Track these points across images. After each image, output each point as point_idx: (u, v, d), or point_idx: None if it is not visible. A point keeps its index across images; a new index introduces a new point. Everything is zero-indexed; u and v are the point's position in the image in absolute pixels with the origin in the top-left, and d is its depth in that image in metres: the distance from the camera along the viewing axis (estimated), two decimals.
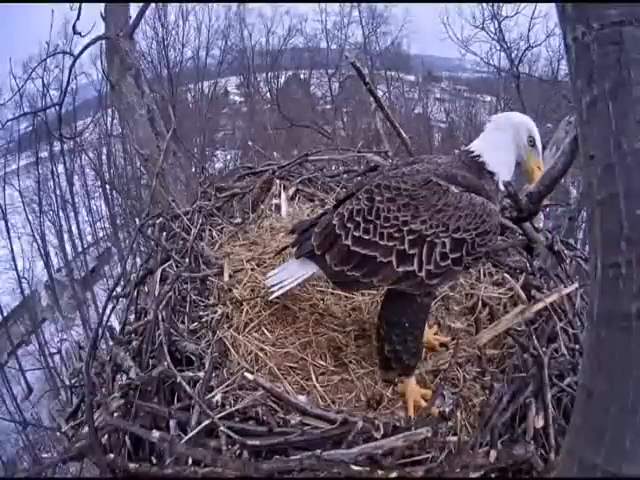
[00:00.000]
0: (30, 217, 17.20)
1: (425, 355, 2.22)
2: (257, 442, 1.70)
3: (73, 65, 5.95)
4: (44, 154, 17.22)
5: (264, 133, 14.35)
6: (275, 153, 4.96)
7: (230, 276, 2.60)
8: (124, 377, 2.21)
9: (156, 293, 2.50)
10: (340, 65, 18.45)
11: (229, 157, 18.97)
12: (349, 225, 1.96)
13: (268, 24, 21.08)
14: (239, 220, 3.18)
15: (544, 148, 2.48)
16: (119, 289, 3.05)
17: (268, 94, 21.39)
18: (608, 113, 1.04)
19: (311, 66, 21.84)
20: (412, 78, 23.00)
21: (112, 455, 1.86)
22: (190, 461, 1.72)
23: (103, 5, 5.06)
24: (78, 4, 5.24)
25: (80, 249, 18.82)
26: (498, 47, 13.30)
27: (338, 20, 20.63)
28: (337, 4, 20.02)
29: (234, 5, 19.51)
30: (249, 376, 1.91)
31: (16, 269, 16.29)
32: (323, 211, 2.52)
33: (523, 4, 11.73)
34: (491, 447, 1.75)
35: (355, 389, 2.05)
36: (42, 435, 10.42)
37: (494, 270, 2.72)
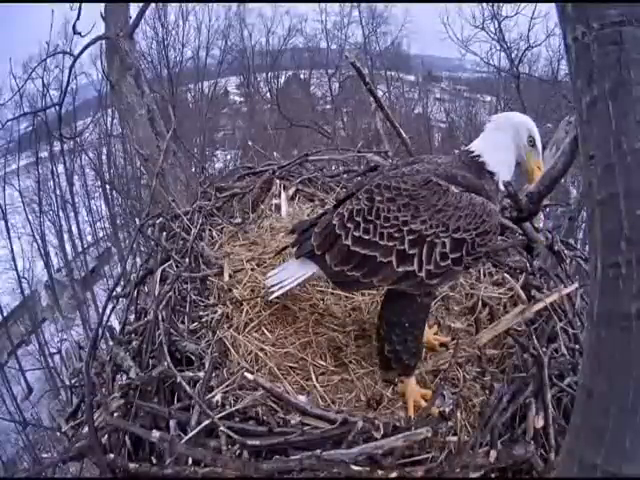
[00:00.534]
0: (30, 217, 17.20)
1: (425, 355, 2.22)
2: (257, 442, 1.70)
3: (73, 65, 5.96)
4: (44, 154, 17.21)
5: (264, 133, 14.34)
6: (275, 153, 4.94)
7: (230, 276, 2.60)
8: (124, 377, 2.21)
9: (156, 293, 2.50)
10: (340, 65, 18.46)
11: (229, 157, 18.97)
12: (349, 225, 1.96)
13: (268, 24, 21.10)
14: (239, 220, 3.18)
15: (544, 148, 2.48)
16: (119, 289, 3.05)
17: (268, 94, 21.40)
18: (608, 113, 1.04)
19: (311, 66, 21.84)
20: (412, 78, 23.00)
21: (112, 455, 1.86)
22: (190, 461, 1.72)
23: (103, 5, 5.06)
24: (78, 4, 5.24)
25: (80, 249, 18.82)
26: (498, 47, 13.32)
27: (338, 20, 20.65)
28: (337, 4, 20.04)
29: (234, 5, 19.52)
30: (249, 376, 1.91)
31: (16, 269, 16.29)
32: (323, 211, 2.52)
33: (523, 4, 11.74)
34: (491, 447, 1.75)
35: (355, 389, 2.05)
36: (42, 435, 10.42)
37: (494, 270, 2.72)
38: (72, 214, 18.67)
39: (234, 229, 3.08)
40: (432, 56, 21.15)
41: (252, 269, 2.62)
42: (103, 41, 5.28)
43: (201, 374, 1.99)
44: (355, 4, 19.53)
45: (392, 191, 1.90)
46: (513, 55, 12.44)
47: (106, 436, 1.98)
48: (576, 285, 2.49)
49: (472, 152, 2.01)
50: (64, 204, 18.25)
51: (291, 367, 2.12)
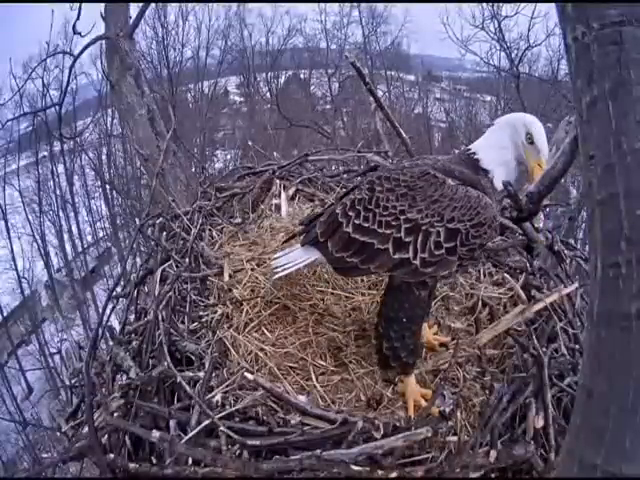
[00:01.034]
0: (30, 217, 17.19)
1: (425, 355, 2.22)
2: (257, 442, 1.70)
3: (73, 65, 5.96)
4: (44, 154, 17.20)
5: (264, 133, 14.34)
6: (275, 153, 4.94)
7: (230, 276, 2.60)
8: (124, 377, 2.21)
9: (156, 293, 2.50)
10: (340, 65, 18.45)
11: (229, 157, 18.97)
12: (350, 213, 2.03)
13: (268, 24, 21.09)
14: (239, 220, 3.18)
15: None
16: (119, 289, 3.05)
17: (268, 94, 21.39)
18: (608, 113, 1.04)
19: (311, 66, 21.82)
20: (412, 78, 22.98)
21: (112, 455, 1.86)
22: (190, 461, 1.73)
23: (103, 5, 5.06)
24: (78, 4, 5.24)
25: (80, 249, 18.82)
26: (498, 47, 13.31)
27: (337, 20, 20.64)
28: (336, 4, 20.02)
29: (234, 5, 19.51)
30: (249, 376, 1.91)
31: (16, 269, 16.28)
32: (330, 203, 2.58)
33: (523, 4, 11.73)
34: (491, 447, 1.75)
35: (355, 389, 2.05)
36: (42, 435, 10.42)
37: (494, 270, 2.72)
38: (72, 214, 18.66)
39: (234, 229, 3.08)
40: (432, 56, 21.15)
41: (252, 269, 2.62)
42: (103, 41, 5.28)
43: (201, 374, 1.99)
44: (355, 4, 19.53)
45: (391, 182, 1.96)
46: (513, 55, 12.44)
47: (106, 436, 1.98)
48: (576, 285, 2.49)
49: (469, 150, 2.04)
50: (64, 204, 18.24)
51: (291, 367, 2.12)
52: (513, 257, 2.82)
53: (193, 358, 2.14)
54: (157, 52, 17.49)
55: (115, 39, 4.93)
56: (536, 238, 2.73)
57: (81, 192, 19.30)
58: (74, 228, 18.65)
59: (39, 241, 17.10)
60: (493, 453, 1.73)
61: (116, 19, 5.01)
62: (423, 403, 1.96)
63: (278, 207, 3.32)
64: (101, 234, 20.01)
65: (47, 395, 12.38)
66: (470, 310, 2.49)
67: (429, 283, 1.99)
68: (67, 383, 2.62)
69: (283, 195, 3.39)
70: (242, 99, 24.07)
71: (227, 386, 1.95)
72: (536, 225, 3.07)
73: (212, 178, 4.12)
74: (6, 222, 16.08)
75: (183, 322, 2.36)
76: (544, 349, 2.09)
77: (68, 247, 18.36)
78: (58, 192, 18.03)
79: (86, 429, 1.99)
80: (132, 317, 2.67)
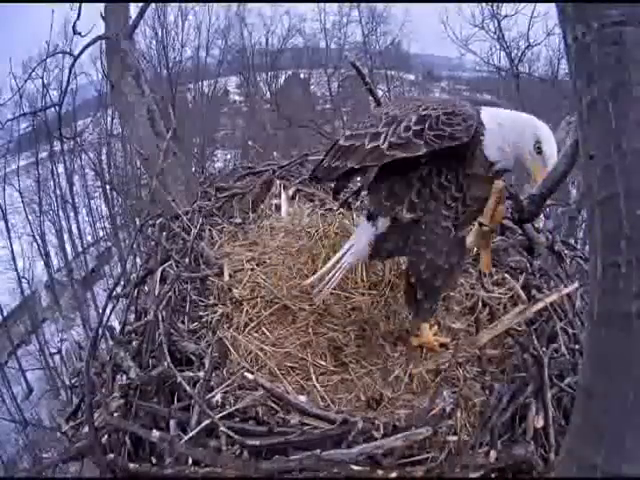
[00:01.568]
0: (30, 217, 17.17)
1: (425, 355, 2.22)
2: (257, 442, 1.70)
3: (73, 65, 5.95)
4: (44, 154, 17.19)
5: (264, 133, 14.33)
6: (275, 153, 4.95)
7: (230, 276, 2.60)
8: (124, 377, 2.21)
9: (156, 293, 2.50)
10: (340, 65, 18.43)
11: (229, 157, 18.94)
12: (343, 132, 2.22)
13: (268, 24, 21.06)
14: (239, 220, 3.18)
15: None
16: (119, 289, 3.05)
17: (268, 94, 21.37)
18: (608, 113, 1.04)
19: (311, 66, 21.80)
20: (412, 77, 22.97)
21: (112, 455, 1.87)
22: (190, 461, 1.73)
23: (103, 5, 5.06)
24: (78, 4, 5.23)
25: (80, 249, 18.80)
26: (498, 46, 13.31)
27: (337, 20, 20.61)
28: (336, 4, 20.00)
29: (234, 5, 19.49)
30: (249, 376, 1.92)
31: (16, 269, 16.26)
32: None
33: (522, 3, 11.73)
34: (491, 447, 1.75)
35: (355, 389, 2.05)
36: (42, 435, 10.41)
37: (494, 270, 2.72)
38: (72, 214, 18.64)
39: (234, 229, 3.07)
40: (432, 55, 21.13)
41: (252, 269, 2.62)
42: (103, 41, 5.27)
43: (201, 374, 1.99)
44: (355, 4, 19.51)
45: (392, 101, 2.10)
46: (513, 54, 12.45)
47: (106, 436, 1.98)
48: (576, 285, 2.49)
49: (480, 111, 1.99)
50: (64, 204, 18.21)
51: (291, 367, 2.12)
52: (513, 257, 2.82)
53: (193, 358, 2.14)
54: (157, 52, 17.48)
55: (115, 39, 4.92)
56: (537, 239, 2.73)
57: (81, 192, 19.28)
58: (74, 228, 18.63)
59: (39, 241, 17.09)
60: (493, 453, 1.73)
61: (116, 19, 5.00)
62: (437, 347, 2.10)
63: (278, 207, 3.32)
64: (101, 234, 19.99)
65: (47, 395, 12.38)
66: (470, 310, 2.49)
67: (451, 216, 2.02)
68: (67, 383, 2.62)
69: (283, 195, 3.38)
70: (242, 99, 24.05)
71: (227, 386, 1.95)
72: (536, 225, 3.07)
73: (212, 178, 4.11)
74: (6, 222, 16.07)
75: (183, 322, 2.36)
76: (544, 349, 2.09)
77: (68, 247, 18.34)
78: (58, 192, 18.01)
79: (86, 429, 1.99)
80: (132, 317, 2.67)
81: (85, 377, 2.16)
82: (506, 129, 1.95)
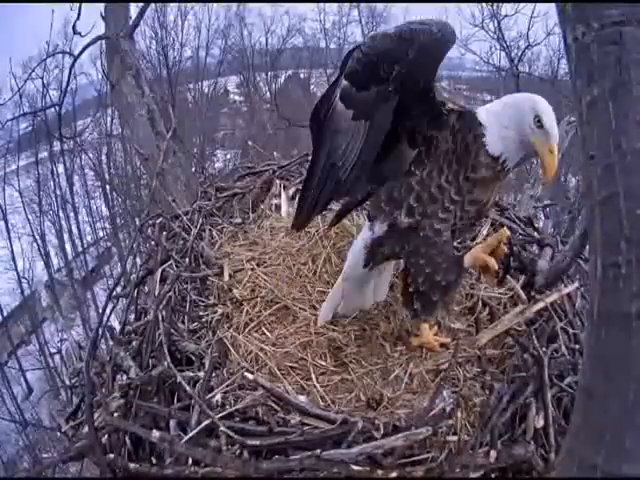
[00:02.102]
0: (30, 217, 17.16)
1: (425, 355, 2.22)
2: (257, 442, 1.70)
3: (73, 65, 5.94)
4: (44, 154, 17.19)
5: (264, 133, 14.33)
6: (275, 153, 4.94)
7: (230, 276, 2.60)
8: (124, 377, 2.21)
9: (156, 293, 2.50)
10: (339, 65, 18.39)
11: (229, 157, 18.93)
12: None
13: (268, 24, 21.06)
14: (239, 220, 3.18)
15: None
16: (119, 289, 3.05)
17: (268, 94, 21.37)
18: (608, 113, 1.04)
19: (311, 66, 21.80)
20: None
21: (112, 455, 1.87)
22: (190, 461, 1.73)
23: (103, 5, 5.06)
24: (78, 4, 5.22)
25: (80, 249, 18.80)
26: (498, 46, 13.28)
27: (337, 20, 20.61)
28: (336, 4, 20.00)
29: (234, 5, 19.48)
30: (249, 376, 1.92)
31: (16, 269, 16.26)
32: None
33: (522, 3, 11.72)
34: (491, 447, 1.75)
35: (355, 389, 2.05)
36: (42, 435, 10.41)
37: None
38: (72, 214, 18.64)
39: (234, 229, 3.07)
40: None
41: (252, 269, 2.62)
42: (103, 41, 5.27)
43: (201, 374, 1.99)
44: (355, 4, 19.50)
45: None
46: (513, 54, 12.42)
47: (106, 436, 1.98)
48: (576, 285, 2.49)
49: (475, 112, 1.98)
50: (64, 204, 18.21)
51: (291, 367, 2.12)
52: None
53: (193, 358, 2.14)
54: (157, 52, 17.48)
55: (115, 39, 4.92)
56: (537, 271, 2.63)
57: (81, 192, 19.27)
58: (74, 228, 18.63)
59: (39, 241, 17.08)
60: (493, 453, 1.73)
61: (116, 19, 5.00)
62: (437, 347, 2.09)
63: (278, 207, 3.32)
64: (101, 234, 19.99)
65: (47, 395, 12.36)
66: (470, 310, 2.49)
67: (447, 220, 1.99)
68: (67, 383, 2.62)
69: (283, 195, 3.38)
70: (242, 99, 24.04)
71: (227, 386, 1.95)
72: (536, 225, 3.07)
73: (212, 178, 4.11)
74: (6, 222, 16.06)
75: (183, 322, 2.36)
76: (544, 349, 2.08)
77: (68, 247, 18.33)
78: (58, 192, 18.00)
79: (86, 429, 1.99)
80: (132, 317, 2.67)
81: (85, 377, 2.16)
82: (503, 114, 1.91)
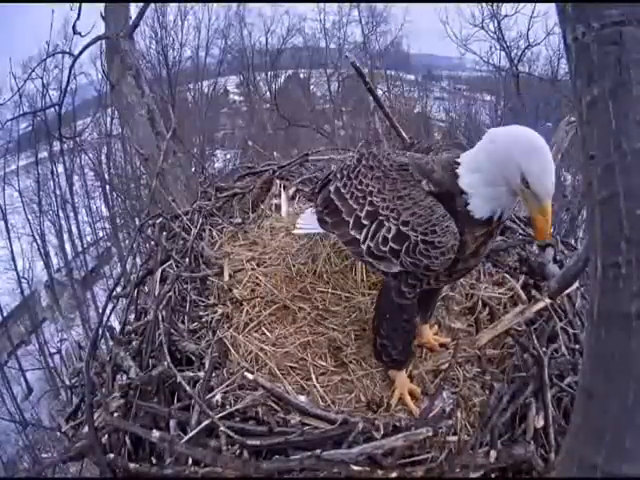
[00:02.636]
0: (30, 217, 17.16)
1: (425, 355, 2.22)
2: (257, 442, 1.70)
3: (73, 65, 5.93)
4: (44, 154, 17.18)
5: (264, 133, 14.33)
6: (275, 153, 4.94)
7: (230, 276, 2.60)
8: (124, 377, 2.21)
9: (156, 293, 2.50)
10: (339, 64, 18.43)
11: (229, 157, 18.92)
12: (337, 175, 2.14)
13: (267, 23, 21.06)
14: (239, 220, 3.18)
15: None
16: (119, 289, 3.05)
17: (268, 93, 21.37)
18: (608, 113, 1.04)
19: (310, 66, 21.80)
20: (412, 77, 22.96)
21: (112, 455, 1.87)
22: (190, 461, 1.73)
23: (103, 5, 5.05)
24: (78, 4, 5.23)
25: (80, 249, 18.80)
26: (498, 46, 13.32)
27: (337, 19, 20.62)
28: (336, 4, 20.00)
29: (234, 5, 19.48)
30: (249, 376, 1.92)
31: (16, 269, 16.26)
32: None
33: (522, 3, 11.73)
34: (491, 447, 1.76)
35: (355, 389, 2.05)
36: (42, 435, 10.40)
37: (494, 270, 2.72)
38: (72, 214, 18.64)
39: (234, 229, 3.07)
40: (432, 55, 21.11)
41: (252, 269, 2.62)
42: (103, 41, 5.27)
43: (201, 374, 1.99)
44: (354, 3, 19.51)
45: (375, 162, 1.99)
46: (513, 54, 12.45)
47: (106, 436, 1.98)
48: (576, 285, 2.49)
49: (457, 159, 1.81)
50: (64, 204, 18.20)
51: (291, 367, 2.12)
52: (513, 257, 2.82)
53: (193, 358, 2.14)
54: (156, 52, 17.49)
55: (115, 39, 4.92)
56: (548, 276, 2.51)
57: (81, 192, 19.27)
58: (74, 228, 18.63)
59: (39, 241, 17.08)
60: (493, 453, 1.73)
61: (116, 19, 5.00)
62: (408, 399, 1.98)
63: (278, 207, 3.31)
64: (101, 234, 19.99)
65: (47, 395, 12.35)
66: (470, 310, 2.49)
67: (417, 287, 1.92)
68: (67, 383, 2.62)
69: (283, 195, 3.38)
70: (242, 99, 24.05)
71: (227, 386, 1.95)
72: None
73: (212, 178, 4.11)
74: (6, 222, 16.06)
75: (183, 322, 2.36)
76: (544, 349, 2.09)
77: (68, 247, 18.34)
78: (58, 192, 18.00)
79: (86, 429, 1.99)
80: (132, 317, 2.67)
81: (85, 377, 2.16)
82: (488, 173, 1.69)
